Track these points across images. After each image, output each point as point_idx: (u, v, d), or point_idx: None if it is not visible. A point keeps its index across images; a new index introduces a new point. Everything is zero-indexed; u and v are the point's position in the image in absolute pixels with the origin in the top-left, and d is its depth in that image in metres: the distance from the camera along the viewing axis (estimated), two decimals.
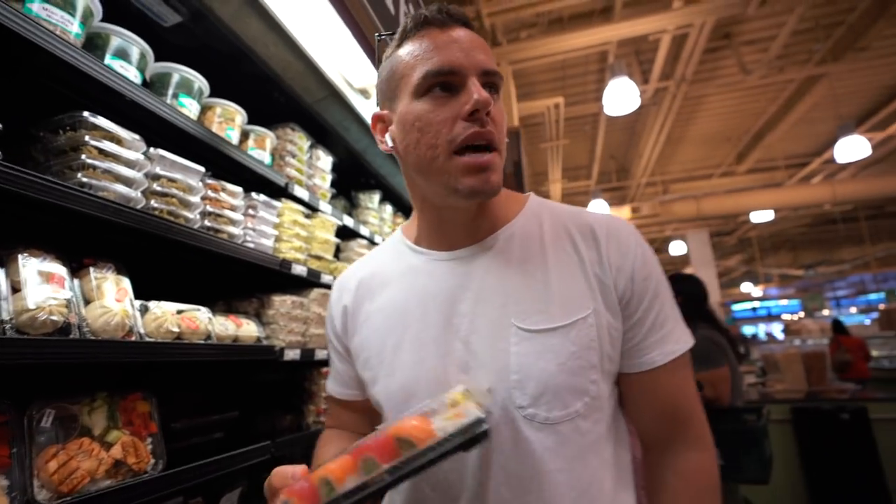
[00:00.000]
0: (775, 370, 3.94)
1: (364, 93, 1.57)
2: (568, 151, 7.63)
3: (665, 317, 0.63)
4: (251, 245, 1.35)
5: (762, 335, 11.65)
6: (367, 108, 1.69)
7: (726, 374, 2.20)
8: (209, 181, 1.23)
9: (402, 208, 2.63)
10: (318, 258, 1.69)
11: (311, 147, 1.73)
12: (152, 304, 1.04)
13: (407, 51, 0.62)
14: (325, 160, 1.79)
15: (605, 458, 0.61)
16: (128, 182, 0.97)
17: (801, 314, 12.46)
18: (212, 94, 1.30)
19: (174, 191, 1.09)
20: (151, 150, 1.05)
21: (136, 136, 1.00)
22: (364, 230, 2.05)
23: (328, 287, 1.71)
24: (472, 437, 0.43)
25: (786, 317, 12.44)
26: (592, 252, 0.63)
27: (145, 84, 1.14)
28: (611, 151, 8.09)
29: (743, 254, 13.11)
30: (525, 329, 0.60)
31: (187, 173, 1.13)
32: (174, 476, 0.99)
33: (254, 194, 1.38)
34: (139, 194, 0.99)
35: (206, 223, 1.20)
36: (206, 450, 1.19)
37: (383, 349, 0.67)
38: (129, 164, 0.98)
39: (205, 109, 1.29)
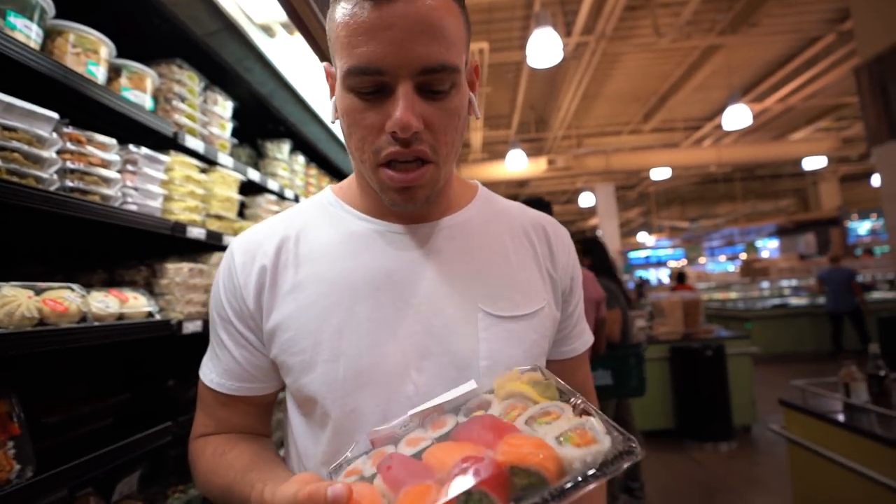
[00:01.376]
0: (661, 315, 4.51)
1: (267, 30, 1.35)
2: (490, 99, 7.58)
3: (581, 314, 0.72)
4: (133, 207, 1.15)
5: (654, 281, 13.27)
6: (273, 47, 1.47)
7: (618, 315, 2.80)
8: (69, 131, 1.00)
9: (317, 159, 2.43)
10: (219, 218, 1.51)
11: (205, 89, 1.48)
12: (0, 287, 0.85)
13: (339, 14, 0.49)
14: (223, 105, 1.55)
15: None
16: None
17: (685, 261, 14.33)
18: (66, 17, 1.02)
19: (15, 143, 0.86)
20: None
21: None
22: (273, 184, 1.86)
23: None
24: (617, 463, 0.32)
25: (672, 264, 14.26)
26: (544, 247, 0.66)
27: None
28: (531, 102, 8.18)
29: (642, 207, 14.49)
30: (493, 315, 0.58)
31: (33, 121, 0.90)
32: (49, 480, 0.87)
33: (133, 147, 1.16)
34: None
35: (69, 183, 0.98)
36: (95, 438, 1.05)
37: (321, 329, 0.56)
38: None
39: (52, 36, 1.01)
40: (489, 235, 0.63)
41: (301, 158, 2.20)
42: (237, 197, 1.58)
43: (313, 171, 2.36)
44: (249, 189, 1.78)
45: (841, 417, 1.85)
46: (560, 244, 0.68)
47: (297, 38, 1.39)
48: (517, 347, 0.58)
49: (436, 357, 0.56)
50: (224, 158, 1.51)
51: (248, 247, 0.61)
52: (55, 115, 0.94)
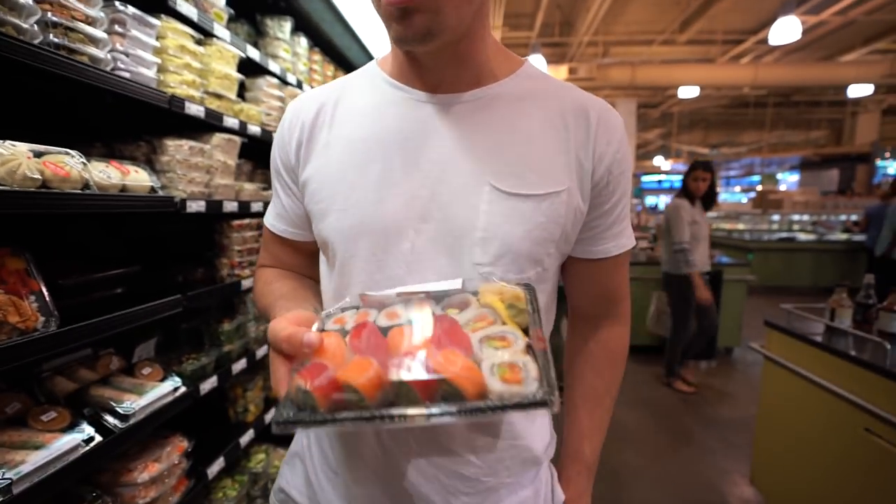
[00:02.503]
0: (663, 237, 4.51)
1: None
2: None
3: (625, 214, 0.67)
4: (126, 74, 1.09)
5: (661, 206, 13.07)
6: None
7: None
8: None
9: (321, 44, 2.26)
10: (218, 97, 1.44)
11: None
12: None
13: None
14: None
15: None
16: None
17: None
18: None
19: None
20: None
21: None
22: (274, 66, 1.75)
23: (233, 133, 1.51)
24: (527, 408, 0.36)
25: None
26: (581, 133, 0.61)
27: None
28: (557, 0, 7.39)
29: (663, 128, 13.76)
30: (500, 190, 0.58)
31: None
32: (72, 332, 0.94)
33: (119, 4, 1.07)
34: None
35: (54, 38, 0.92)
36: (110, 306, 1.12)
37: (340, 182, 0.61)
38: None
39: None
40: (517, 112, 0.61)
41: (304, 41, 2.04)
42: (236, 75, 1.49)
43: (317, 56, 2.21)
44: (249, 69, 1.68)
45: (819, 339, 1.92)
46: (603, 133, 0.61)
47: None
48: (519, 226, 0.57)
49: (435, 221, 0.58)
50: (220, 30, 1.40)
51: (296, 107, 0.68)
52: None
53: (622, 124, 0.65)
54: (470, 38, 0.58)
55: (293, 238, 0.72)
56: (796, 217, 8.80)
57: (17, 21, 0.83)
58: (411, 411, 0.37)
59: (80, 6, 0.97)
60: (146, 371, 1.24)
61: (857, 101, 10.42)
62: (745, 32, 8.23)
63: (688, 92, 8.59)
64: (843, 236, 7.48)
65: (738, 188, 14.69)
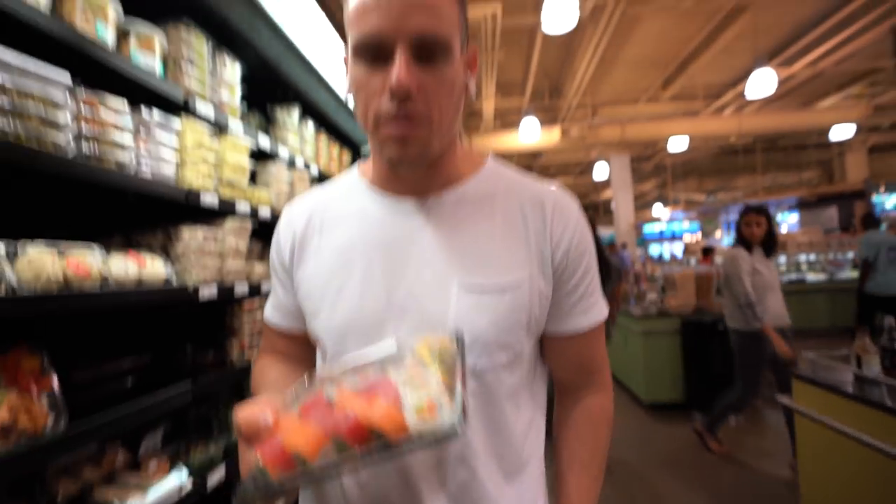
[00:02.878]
0: (673, 288, 4.48)
1: None
2: (503, 66, 7.35)
3: (592, 289, 0.70)
4: (147, 173, 1.16)
5: (667, 256, 13.06)
6: (279, 8, 1.43)
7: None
8: (83, 95, 1.00)
9: (326, 126, 2.41)
10: (231, 185, 1.52)
11: (214, 53, 1.46)
12: (25, 244, 0.87)
13: (351, 4, 0.58)
14: (232, 69, 1.53)
15: (518, 404, 0.68)
16: None
17: (699, 235, 14.06)
18: None
19: (31, 106, 0.87)
20: None
21: None
22: (283, 151, 1.86)
23: (244, 216, 1.57)
24: (442, 440, 0.44)
25: (687, 238, 13.99)
26: (538, 223, 0.67)
27: None
28: (546, 69, 7.92)
29: (658, 178, 14.14)
30: (465, 285, 0.63)
31: (47, 84, 0.90)
32: (81, 432, 0.92)
33: (145, 111, 1.16)
34: None
35: (85, 149, 0.99)
36: (119, 397, 1.11)
37: (328, 285, 0.68)
38: None
39: None
40: (481, 210, 0.68)
41: (311, 125, 2.18)
42: (248, 164, 1.58)
43: (323, 138, 2.35)
44: (260, 156, 1.79)
45: (850, 389, 1.84)
46: (557, 219, 0.67)
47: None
48: (485, 317, 0.62)
49: (412, 315, 0.63)
50: (234, 124, 1.51)
51: (290, 214, 0.76)
52: (67, 76, 0.94)
53: (577, 209, 0.71)
54: (443, 153, 0.66)
55: (289, 329, 0.78)
56: (802, 257, 8.76)
57: (54, 137, 0.90)
58: (341, 460, 0.43)
59: (111, 117, 1.05)
60: (152, 465, 1.20)
61: (843, 142, 10.76)
62: (723, 86, 8.71)
63: (677, 144, 8.93)
64: (854, 274, 7.40)
65: None
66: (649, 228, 14.48)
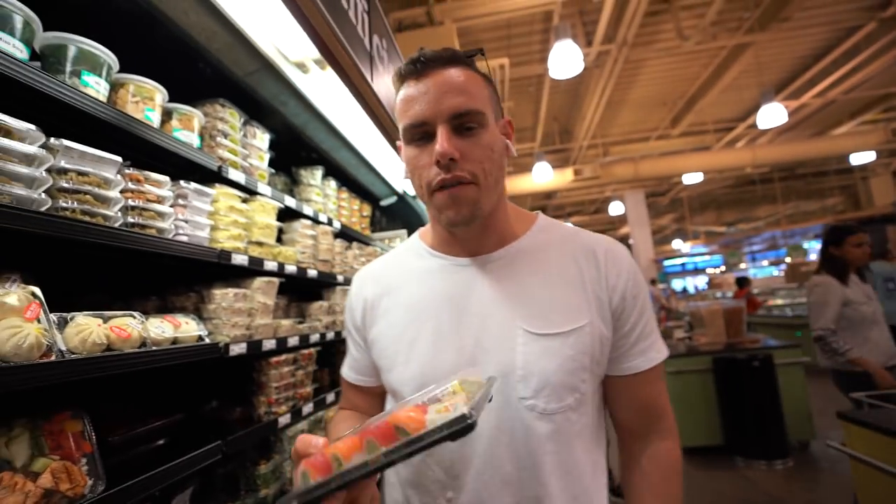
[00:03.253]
0: (700, 324, 4.34)
1: (301, 67, 1.44)
2: (512, 113, 7.63)
3: (650, 330, 0.73)
4: (184, 238, 1.24)
5: (691, 289, 12.76)
6: (306, 82, 1.56)
7: None
8: (129, 171, 1.10)
9: (347, 183, 2.52)
10: (260, 244, 1.59)
11: (245, 124, 1.58)
12: (74, 316, 0.94)
13: (399, 97, 0.70)
14: (261, 138, 1.65)
15: (586, 444, 0.71)
16: (27, 181, 0.84)
17: (723, 268, 13.72)
18: (123, 70, 1.14)
19: (87, 186, 0.96)
20: (53, 140, 0.91)
21: (31, 126, 0.86)
22: (307, 209, 1.95)
23: (272, 274, 1.63)
24: (456, 430, 0.48)
25: (710, 271, 13.67)
26: (593, 271, 0.72)
27: (35, 59, 0.97)
28: (554, 113, 8.18)
29: (674, 213, 14.06)
30: (531, 332, 0.68)
31: (101, 165, 1.00)
32: (118, 495, 0.94)
33: (183, 182, 1.26)
34: (41, 194, 0.86)
35: (130, 219, 1.08)
36: (152, 457, 1.13)
37: (400, 341, 0.75)
38: (26, 159, 0.84)
39: (115, 88, 1.13)
40: (537, 262, 0.73)
41: (333, 183, 2.29)
42: (276, 223, 1.66)
43: (345, 194, 2.45)
44: (286, 215, 1.88)
45: None
46: (612, 266, 0.72)
47: (329, 72, 1.47)
48: (551, 361, 0.67)
49: (482, 364, 0.69)
50: (263, 188, 1.60)
51: (361, 279, 0.87)
52: (119, 159, 1.04)
53: (628, 254, 0.76)
54: (495, 212, 0.73)
55: (363, 385, 0.87)
56: None
57: (105, 211, 0.99)
58: (370, 457, 0.48)
59: (154, 189, 1.15)
60: None
61: (865, 167, 10.59)
62: (733, 120, 8.80)
63: (691, 178, 8.93)
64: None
65: (765, 262, 14.36)
66: (669, 263, 14.24)
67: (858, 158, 8.82)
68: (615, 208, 11.08)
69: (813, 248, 12.99)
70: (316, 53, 1.35)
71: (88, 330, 0.93)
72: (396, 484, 0.77)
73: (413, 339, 0.74)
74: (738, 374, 3.77)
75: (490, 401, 0.56)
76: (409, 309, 0.76)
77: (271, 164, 1.79)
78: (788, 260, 11.86)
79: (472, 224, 0.69)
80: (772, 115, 5.90)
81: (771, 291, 9.31)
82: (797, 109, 7.95)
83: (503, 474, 0.67)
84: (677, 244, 14.63)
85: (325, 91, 1.62)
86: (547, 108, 7.48)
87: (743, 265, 13.48)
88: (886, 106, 8.37)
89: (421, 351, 0.73)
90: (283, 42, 1.32)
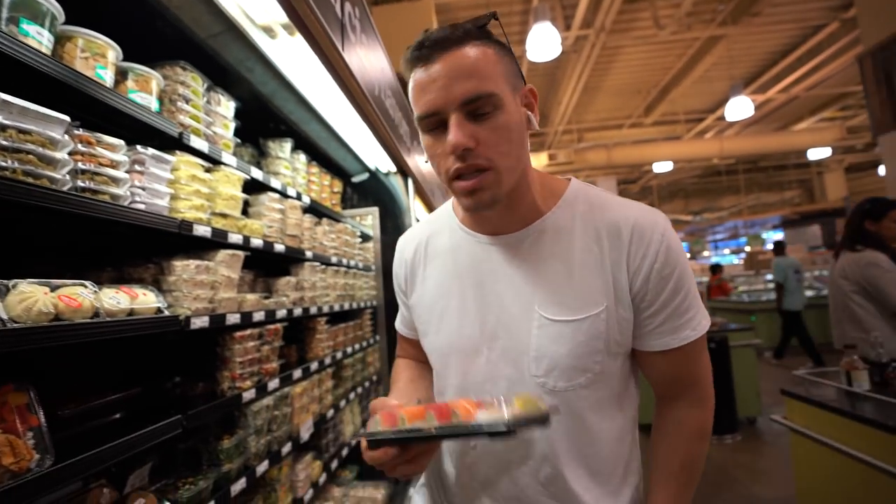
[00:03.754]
0: None
1: (269, 31, 1.37)
2: None
3: (686, 307, 0.71)
4: (141, 206, 1.18)
5: None
6: (274, 48, 1.49)
7: None
8: (79, 133, 1.03)
9: (318, 158, 2.45)
10: (224, 216, 1.54)
11: (209, 90, 1.50)
12: (16, 283, 0.88)
13: (410, 84, 0.69)
14: (226, 105, 1.58)
15: (605, 414, 0.74)
16: None
17: (688, 255, 14.24)
18: (72, 21, 1.05)
19: (29, 146, 0.89)
20: None
21: None
22: (275, 182, 1.89)
23: (237, 247, 1.59)
24: (492, 431, 0.57)
25: None
26: (615, 252, 0.71)
27: None
28: None
29: (645, 200, 14.44)
30: (546, 317, 0.71)
31: (46, 123, 0.93)
32: (67, 469, 0.90)
33: (140, 147, 1.19)
34: None
35: (80, 183, 1.02)
36: (108, 431, 1.09)
37: (432, 311, 0.82)
38: None
39: (62, 41, 1.04)
40: (559, 243, 0.74)
41: (303, 157, 2.23)
42: (241, 195, 1.61)
43: (315, 169, 2.39)
44: (253, 187, 1.81)
45: (842, 405, 1.86)
46: (635, 247, 0.70)
47: (298, 38, 1.41)
48: (563, 346, 0.70)
49: (501, 341, 0.74)
50: (228, 158, 1.54)
51: (404, 242, 0.93)
52: (66, 118, 0.97)
53: (660, 229, 0.71)
54: (518, 189, 0.72)
55: (412, 337, 0.96)
56: None
57: (51, 174, 0.93)
58: (425, 426, 0.61)
59: (107, 153, 1.08)
60: (139, 502, 1.17)
61: (820, 163, 11.11)
62: (703, 112, 9.04)
63: (662, 167, 9.16)
64: None
65: (727, 251, 15.01)
66: None
67: (815, 154, 9.25)
68: None
69: (771, 239, 13.64)
70: (283, 17, 1.29)
71: (33, 298, 0.88)
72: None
73: (442, 311, 0.80)
74: None
75: (536, 424, 0.61)
76: (439, 281, 0.82)
77: (238, 134, 1.71)
78: (748, 248, 12.43)
79: (492, 209, 0.70)
80: (740, 107, 6.09)
81: (731, 278, 9.76)
82: (763, 104, 8.22)
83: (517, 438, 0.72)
84: None
85: (293, 58, 1.55)
86: None
87: (706, 253, 14.04)
88: (843, 105, 8.77)
89: (448, 323, 0.79)
90: (249, 2, 1.25)
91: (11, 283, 0.88)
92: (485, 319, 0.76)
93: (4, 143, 0.86)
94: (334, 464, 2.35)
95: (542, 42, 4.69)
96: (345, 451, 2.50)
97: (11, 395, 0.90)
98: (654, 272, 0.69)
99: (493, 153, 0.65)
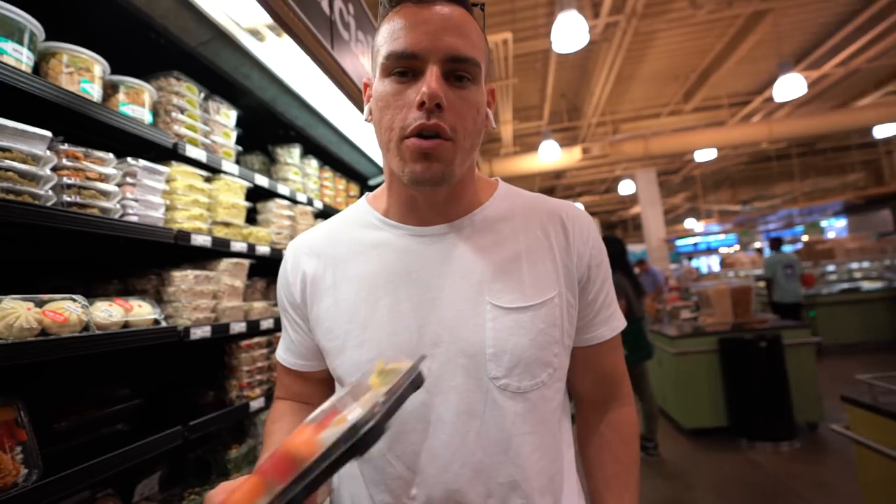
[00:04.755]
0: (707, 305, 4.22)
1: (255, 34, 1.35)
2: (518, 90, 7.40)
3: (610, 299, 0.72)
4: (134, 218, 1.19)
5: (704, 269, 12.50)
6: (266, 52, 1.48)
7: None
8: (65, 148, 1.04)
9: (330, 162, 2.45)
10: (227, 224, 1.54)
11: (206, 99, 1.51)
12: (0, 300, 0.89)
13: (385, 26, 0.61)
14: (225, 114, 1.58)
15: (559, 420, 0.68)
16: None
17: (737, 247, 13.35)
18: (62, 40, 1.07)
19: (8, 162, 0.90)
20: None
21: None
22: (283, 188, 1.88)
23: (241, 256, 1.58)
24: (353, 444, 0.39)
25: (723, 250, 13.31)
26: (561, 238, 0.68)
27: None
28: (562, 90, 7.93)
29: (687, 191, 13.68)
30: (500, 307, 0.63)
31: (26, 140, 0.94)
32: (57, 483, 0.90)
33: (131, 159, 1.20)
34: None
35: (67, 198, 1.02)
36: (107, 445, 1.10)
37: (351, 320, 0.67)
38: None
39: (46, 58, 1.06)
40: (503, 231, 0.68)
41: (314, 162, 2.22)
42: (244, 203, 1.60)
43: (328, 173, 2.38)
44: (261, 194, 1.82)
45: None
46: (579, 234, 0.69)
47: (286, 39, 1.38)
48: (523, 336, 0.62)
49: (446, 345, 0.63)
50: (229, 166, 1.54)
51: (296, 251, 0.75)
52: (48, 134, 0.98)
53: (591, 220, 0.72)
54: (463, 179, 0.67)
55: (302, 370, 0.77)
56: (854, 265, 8.14)
57: (33, 190, 0.93)
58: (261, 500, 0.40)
59: (95, 167, 1.09)
60: None
61: (889, 141, 10.10)
62: (749, 94, 8.44)
63: (704, 155, 8.65)
64: None
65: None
66: (682, 242, 13.92)
67: (883, 131, 8.40)
68: (626, 187, 10.81)
69: (832, 227, 12.57)
70: (267, 17, 1.26)
71: (14, 314, 0.88)
72: (360, 477, 0.68)
73: (366, 318, 0.65)
74: (745, 355, 3.67)
75: (417, 384, 0.48)
76: (362, 285, 0.67)
77: (246, 142, 1.72)
78: (805, 238, 11.51)
79: (439, 186, 0.61)
80: (790, 86, 5.62)
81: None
82: (817, 80, 7.57)
83: (474, 463, 0.61)
84: (691, 223, 14.27)
85: (285, 61, 1.53)
86: (554, 85, 7.25)
87: (757, 244, 13.09)
88: None
89: (376, 332, 0.65)
90: (231, 5, 1.23)
91: None
92: (424, 322, 0.63)
93: None
94: None
95: (568, 31, 4.51)
96: None
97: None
98: (592, 259, 0.69)
99: (459, 124, 0.59)
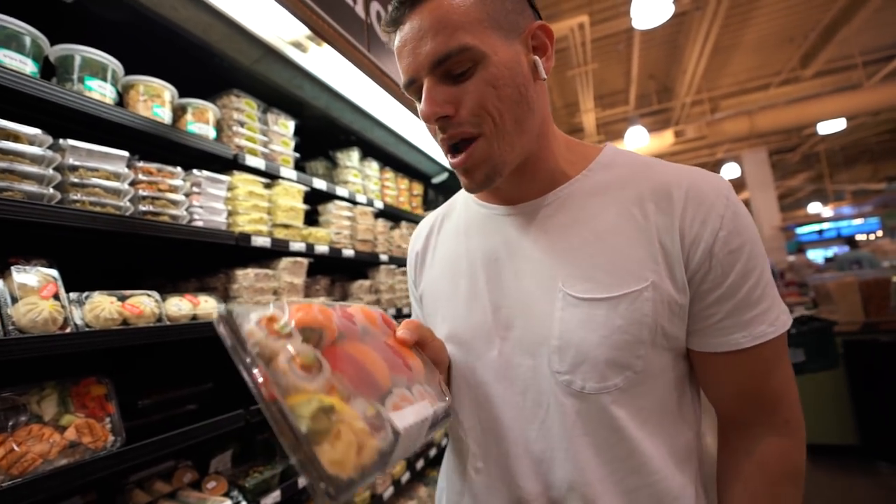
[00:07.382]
0: (828, 301, 3.61)
1: (299, 46, 1.45)
2: (600, 76, 6.99)
3: (759, 295, 0.55)
4: (200, 223, 1.34)
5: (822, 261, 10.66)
6: (311, 62, 1.57)
7: None
8: (140, 164, 1.21)
9: (391, 163, 2.53)
10: (286, 226, 1.67)
11: (265, 112, 1.65)
12: (90, 295, 1.07)
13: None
14: (283, 124, 1.72)
15: (654, 430, 0.57)
16: (37, 179, 0.96)
17: (880, 233, 11.14)
18: (140, 73, 1.25)
19: (95, 180, 1.07)
20: (61, 141, 1.04)
21: (38, 131, 0.98)
22: (342, 190, 1.99)
23: (301, 255, 1.71)
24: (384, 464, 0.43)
25: (860, 237, 11.19)
26: (663, 217, 0.56)
27: (50, 71, 1.10)
28: (649, 71, 7.31)
29: (810, 171, 11.79)
30: (572, 295, 0.57)
31: (109, 160, 1.11)
32: (136, 450, 1.06)
33: (196, 171, 1.36)
34: (50, 190, 0.98)
35: (142, 208, 1.19)
36: (182, 422, 1.26)
37: (439, 298, 0.72)
38: (35, 160, 0.97)
39: (127, 90, 1.24)
40: (587, 210, 0.60)
41: (374, 164, 2.32)
42: (301, 206, 1.73)
43: (388, 174, 2.47)
44: (322, 197, 1.94)
45: None
46: (691, 211, 0.55)
47: (327, 48, 1.46)
48: (593, 332, 0.55)
49: (517, 329, 0.61)
50: (287, 172, 1.67)
51: (416, 232, 0.83)
52: (126, 154, 1.15)
53: (724, 195, 0.56)
54: (533, 154, 0.61)
55: None
56: None
57: (114, 202, 1.10)
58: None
59: (167, 180, 1.25)
60: (212, 485, 1.32)
61: None
62: (891, 47, 7.02)
63: (830, 126, 7.39)
64: None
65: None
66: (804, 230, 11.93)
67: None
68: (729, 171, 9.65)
69: None
70: (304, 29, 1.34)
71: (101, 307, 1.05)
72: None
73: (449, 296, 0.70)
74: (880, 361, 3.07)
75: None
76: (448, 264, 0.72)
77: (310, 149, 1.85)
78: None
79: (491, 185, 0.59)
80: None
81: None
82: None
83: (533, 454, 0.59)
84: (814, 208, 12.22)
85: (329, 68, 1.62)
86: (640, 66, 6.72)
87: None
88: None
89: (454, 309, 0.68)
90: (273, 22, 1.33)
91: (85, 295, 1.07)
92: (499, 304, 0.63)
93: (76, 180, 1.05)
94: (420, 463, 2.38)
95: (651, 4, 4.15)
96: (433, 452, 2.52)
97: (94, 386, 1.09)
98: (718, 243, 0.53)
99: (482, 115, 0.55)
